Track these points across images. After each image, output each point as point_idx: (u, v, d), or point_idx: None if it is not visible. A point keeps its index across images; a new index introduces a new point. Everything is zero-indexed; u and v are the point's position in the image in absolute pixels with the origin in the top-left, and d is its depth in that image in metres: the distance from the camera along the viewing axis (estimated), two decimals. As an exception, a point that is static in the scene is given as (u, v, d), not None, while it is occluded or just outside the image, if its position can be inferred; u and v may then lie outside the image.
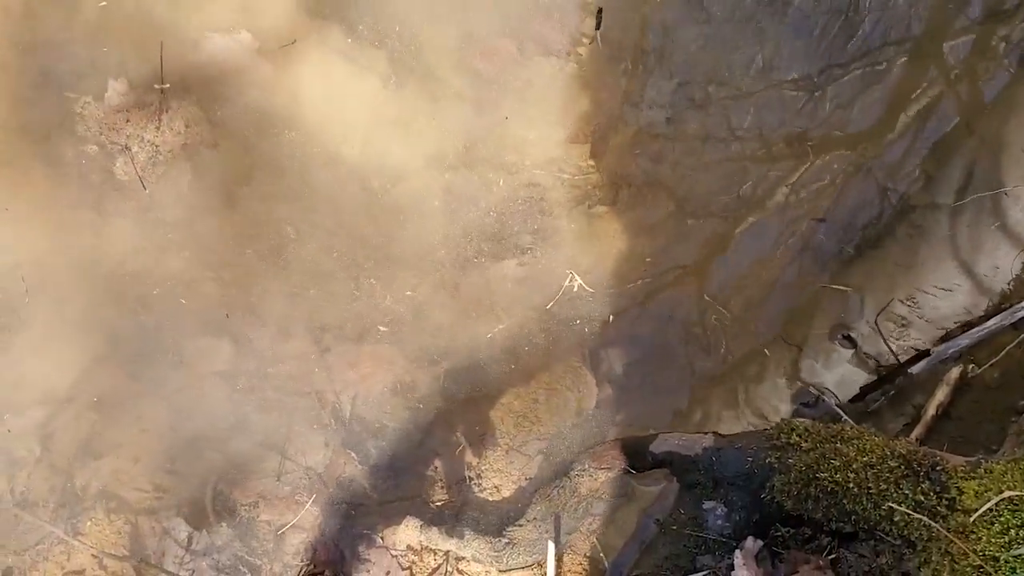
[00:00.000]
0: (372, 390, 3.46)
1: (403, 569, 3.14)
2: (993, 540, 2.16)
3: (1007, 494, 2.20)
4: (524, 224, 3.66)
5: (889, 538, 2.41)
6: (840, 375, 3.44)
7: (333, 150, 3.65)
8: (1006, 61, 3.72)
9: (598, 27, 3.76)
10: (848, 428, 2.64)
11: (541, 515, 3.09)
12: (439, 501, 3.30)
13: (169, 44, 3.58)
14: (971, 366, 3.21)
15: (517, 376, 3.50)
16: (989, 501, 2.22)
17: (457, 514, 3.24)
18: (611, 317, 3.56)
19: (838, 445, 2.56)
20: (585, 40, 3.80)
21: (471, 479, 3.33)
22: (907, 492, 2.37)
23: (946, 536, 2.25)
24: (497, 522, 3.17)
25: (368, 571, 3.16)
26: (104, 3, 3.59)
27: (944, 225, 3.56)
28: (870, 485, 2.43)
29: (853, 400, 3.38)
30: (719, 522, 2.75)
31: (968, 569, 2.16)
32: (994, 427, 2.89)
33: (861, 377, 3.42)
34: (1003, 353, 3.14)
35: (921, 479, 2.39)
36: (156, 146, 3.51)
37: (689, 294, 3.60)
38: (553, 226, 3.67)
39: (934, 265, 3.51)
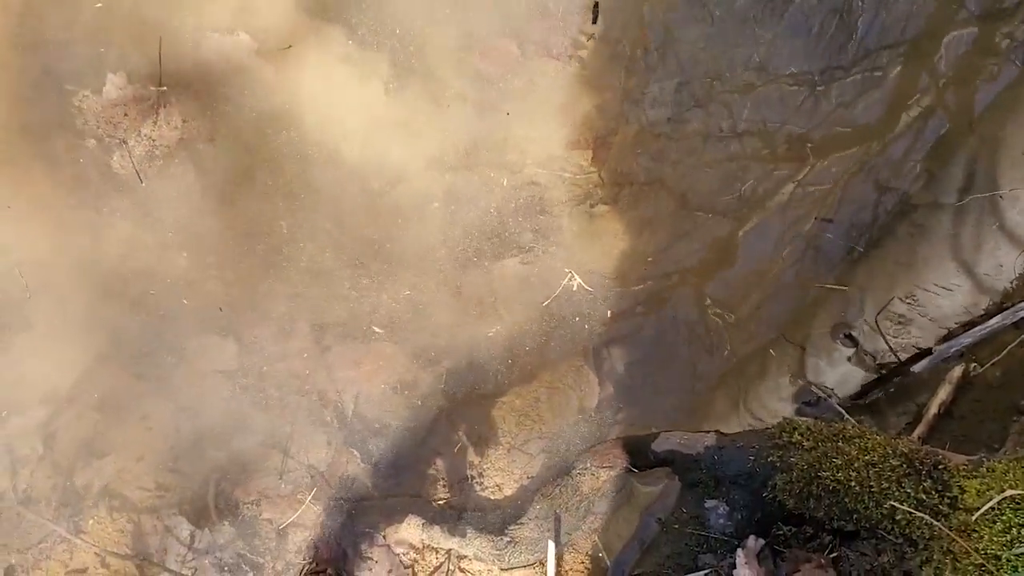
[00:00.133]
0: (374, 389, 3.46)
1: (405, 567, 3.14)
2: (995, 539, 2.17)
3: (1009, 493, 2.20)
4: (525, 223, 3.65)
5: (891, 537, 2.41)
6: (842, 374, 3.44)
7: (333, 150, 3.65)
8: (1008, 59, 3.72)
9: (595, 21, 3.75)
10: (850, 427, 2.65)
11: (543, 514, 3.10)
12: (441, 499, 3.30)
13: (168, 42, 3.59)
14: (973, 365, 3.21)
15: (519, 375, 3.50)
16: (991, 500, 2.22)
17: (459, 512, 3.24)
18: (613, 316, 3.56)
19: (840, 444, 2.56)
20: (583, 38, 3.80)
21: (473, 478, 3.33)
22: (909, 491, 2.38)
23: (948, 535, 2.25)
24: (499, 521, 3.17)
25: (370, 569, 3.16)
26: (100, 4, 3.59)
27: (946, 224, 3.55)
28: (872, 484, 2.43)
29: (855, 398, 3.38)
30: (721, 521, 2.75)
31: (970, 568, 2.16)
32: (996, 426, 2.89)
33: (863, 375, 3.42)
34: (1005, 352, 3.14)
35: (923, 478, 2.39)
36: (153, 140, 3.52)
37: (691, 294, 3.60)
38: (554, 225, 3.66)
39: (935, 264, 3.51)
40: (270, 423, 3.40)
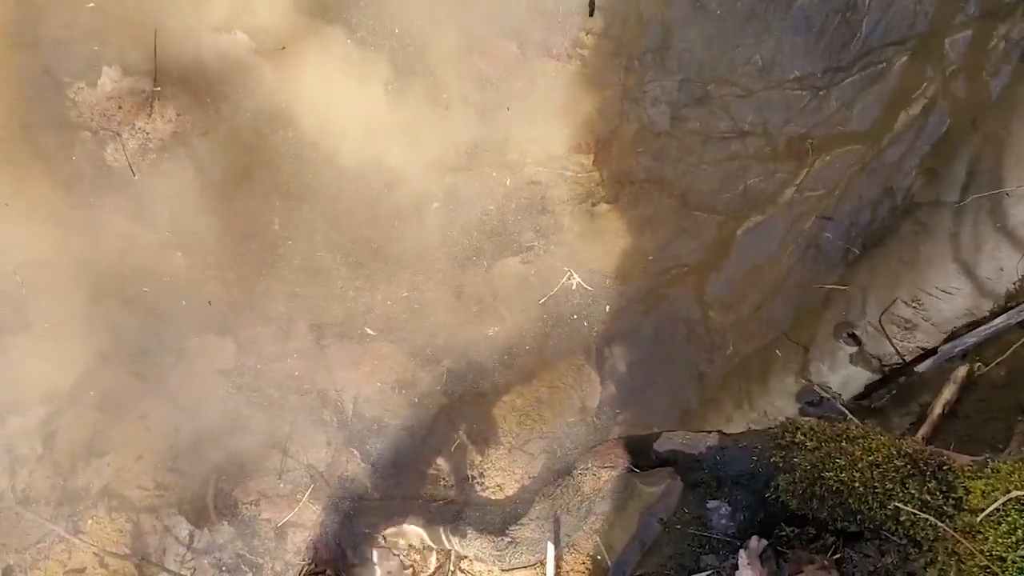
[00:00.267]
0: (374, 388, 3.46)
1: (405, 568, 3.13)
2: (1000, 540, 2.15)
3: (1014, 494, 2.18)
4: (526, 222, 3.65)
5: (895, 538, 2.39)
6: (845, 374, 3.43)
7: (331, 150, 3.64)
8: (1012, 57, 3.70)
9: (591, 14, 3.74)
10: (853, 427, 2.63)
11: (544, 514, 3.09)
12: (441, 500, 3.29)
13: (165, 39, 3.58)
14: (978, 365, 3.19)
15: (519, 374, 3.49)
16: (996, 501, 2.20)
17: (459, 513, 3.23)
18: (614, 315, 3.55)
19: (843, 444, 2.55)
20: (584, 37, 3.79)
21: (473, 478, 3.32)
22: (913, 491, 2.36)
23: (952, 536, 2.23)
24: (499, 521, 3.16)
25: (370, 570, 3.16)
26: (92, 4, 3.59)
27: (949, 223, 3.54)
28: (876, 484, 2.41)
29: (858, 399, 3.37)
30: (723, 521, 2.74)
31: (975, 569, 2.15)
32: (1001, 426, 2.87)
33: (866, 376, 3.41)
34: (1010, 352, 3.12)
35: (927, 478, 2.37)
36: (147, 133, 3.51)
37: (692, 292, 3.59)
38: (555, 224, 3.66)
39: (938, 264, 3.50)
40: (269, 423, 3.39)
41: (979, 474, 2.33)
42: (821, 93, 3.72)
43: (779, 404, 3.43)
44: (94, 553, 3.20)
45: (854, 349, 3.43)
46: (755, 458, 2.71)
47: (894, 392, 3.33)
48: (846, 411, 3.24)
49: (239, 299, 3.50)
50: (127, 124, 3.52)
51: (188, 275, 3.50)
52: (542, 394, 3.45)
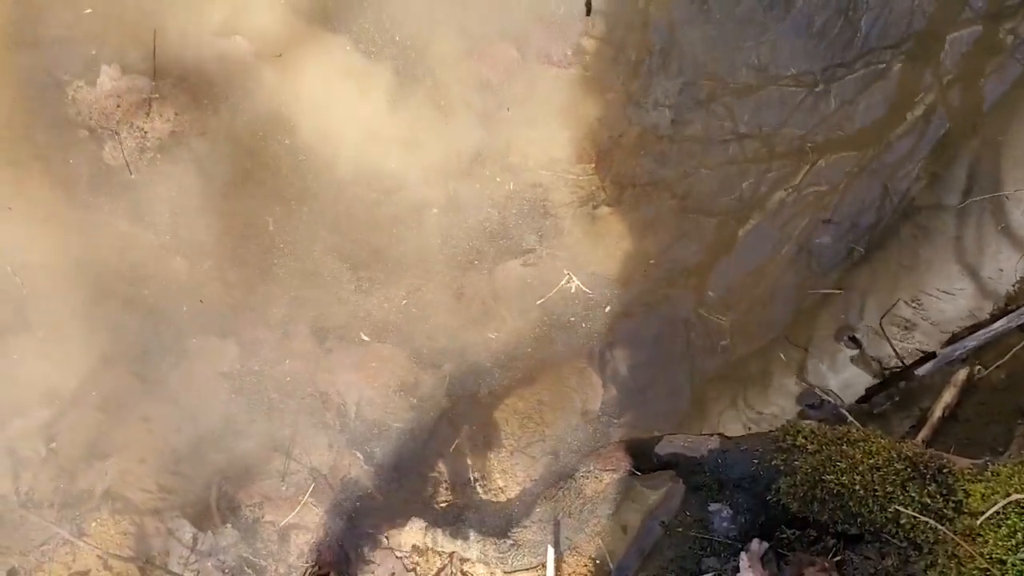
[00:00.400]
0: (376, 391, 3.46)
1: (407, 570, 3.14)
2: (1000, 543, 2.16)
3: (1014, 497, 2.19)
4: (527, 225, 3.65)
5: (895, 540, 2.40)
6: (846, 377, 3.43)
7: (331, 154, 3.65)
8: (1013, 58, 3.71)
9: (588, 13, 3.74)
10: (854, 430, 2.64)
11: (546, 516, 3.09)
12: (444, 502, 3.30)
13: (165, 41, 3.60)
14: (978, 368, 3.20)
15: (521, 377, 3.50)
16: (996, 504, 2.21)
17: (462, 515, 3.24)
18: (615, 318, 3.55)
19: (844, 447, 2.55)
20: (584, 41, 3.80)
21: (476, 480, 3.33)
22: (913, 494, 2.37)
23: (952, 539, 2.24)
24: (502, 523, 3.17)
25: (372, 572, 3.16)
26: (89, 10, 3.60)
27: (949, 226, 3.55)
28: (876, 487, 2.42)
29: (859, 402, 3.37)
30: (725, 524, 2.75)
31: (975, 572, 2.16)
32: (1001, 429, 2.88)
33: (867, 379, 3.41)
34: (1010, 355, 3.13)
35: (927, 481, 2.38)
36: (145, 132, 3.52)
37: (693, 295, 3.59)
38: (557, 227, 3.66)
39: (939, 267, 3.50)
40: (271, 425, 3.40)
41: (979, 477, 2.33)
42: (820, 94, 3.73)
43: (780, 407, 3.44)
44: (98, 556, 3.20)
45: (855, 352, 3.44)
46: (756, 461, 2.72)
47: (894, 396, 3.33)
48: (847, 414, 3.25)
49: (240, 301, 3.51)
50: (125, 123, 3.53)
51: (188, 277, 3.51)
52: (544, 397, 3.46)
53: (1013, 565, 2.10)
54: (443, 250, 3.61)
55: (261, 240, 3.56)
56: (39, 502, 3.27)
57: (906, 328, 3.44)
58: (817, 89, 3.73)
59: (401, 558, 3.16)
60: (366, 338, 3.49)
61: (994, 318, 3.24)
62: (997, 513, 2.20)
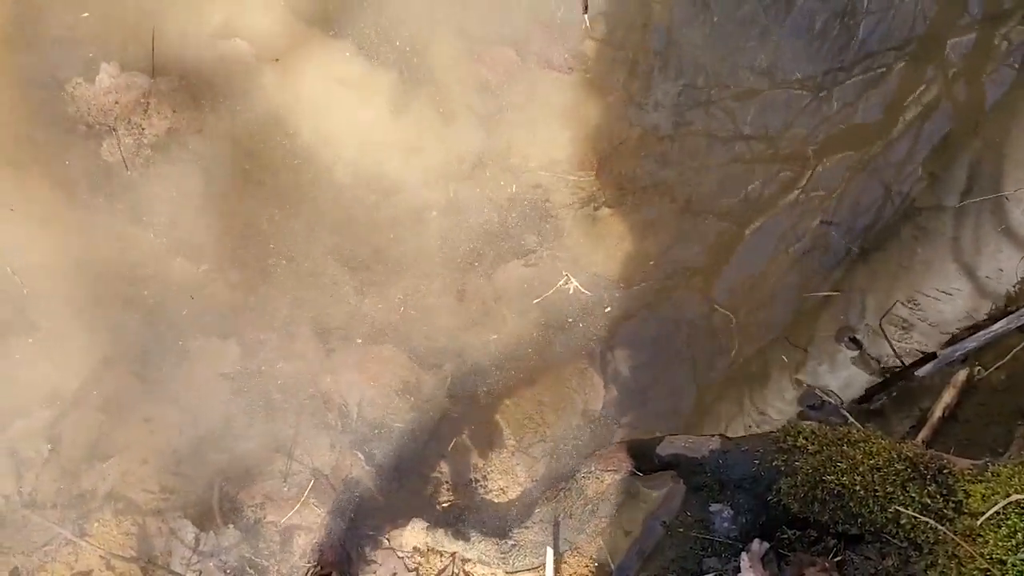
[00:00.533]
0: (377, 392, 3.47)
1: (409, 570, 3.14)
2: (1000, 543, 2.16)
3: (1014, 498, 2.20)
4: (528, 226, 3.66)
5: (895, 541, 2.41)
6: (846, 377, 3.44)
7: (332, 157, 3.66)
8: (1012, 61, 3.72)
9: (585, 11, 3.74)
10: (855, 431, 2.64)
11: (547, 517, 3.10)
12: (445, 502, 3.30)
13: (165, 42, 3.60)
14: (977, 369, 3.20)
15: (523, 378, 3.50)
16: (996, 504, 2.22)
17: (463, 516, 3.25)
18: (616, 319, 3.56)
19: (844, 448, 2.56)
20: (585, 43, 3.80)
21: (477, 480, 3.33)
22: (914, 495, 2.37)
23: (953, 539, 2.25)
24: (503, 524, 3.17)
25: (374, 572, 3.17)
26: (86, 14, 3.61)
27: (949, 226, 3.56)
28: (876, 488, 2.43)
29: (859, 402, 3.38)
30: (725, 524, 2.75)
31: (975, 572, 2.17)
32: (1001, 430, 2.89)
33: (867, 379, 3.42)
34: (1010, 356, 3.13)
35: (928, 482, 2.39)
36: (142, 128, 3.53)
37: (694, 296, 3.60)
38: (558, 228, 3.67)
39: (939, 267, 3.51)
40: (273, 426, 3.40)
41: (979, 478, 2.34)
42: (822, 96, 3.74)
43: (780, 407, 3.44)
44: (100, 556, 3.21)
45: (855, 353, 3.45)
46: (757, 462, 2.72)
47: (894, 396, 3.34)
48: (847, 415, 3.25)
49: (241, 301, 3.52)
50: (123, 119, 3.54)
51: (188, 277, 3.51)
52: (545, 397, 3.47)
53: (1013, 565, 2.11)
54: (444, 252, 3.62)
55: (261, 241, 3.57)
56: (42, 503, 3.27)
57: (905, 328, 3.44)
58: (818, 91, 3.74)
59: (403, 558, 3.17)
60: (359, 341, 3.49)
61: (994, 319, 3.24)
62: (997, 513, 2.21)
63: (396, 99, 3.71)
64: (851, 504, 2.47)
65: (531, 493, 3.27)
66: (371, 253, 3.60)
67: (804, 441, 2.65)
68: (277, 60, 3.66)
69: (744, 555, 2.61)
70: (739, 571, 2.59)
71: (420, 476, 3.37)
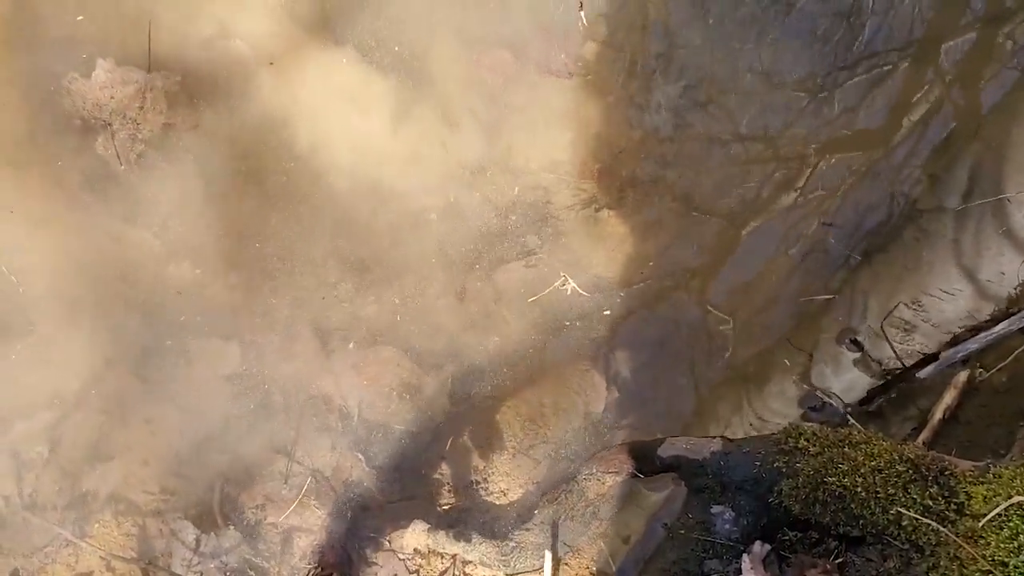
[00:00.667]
0: (378, 393, 3.47)
1: (410, 572, 3.14)
2: (1002, 545, 2.16)
3: (1016, 499, 2.19)
4: (529, 227, 3.66)
5: (897, 543, 2.40)
6: (848, 379, 3.43)
7: (331, 159, 3.66)
8: (1013, 62, 3.72)
9: (581, 7, 3.74)
10: (856, 432, 2.64)
11: (548, 519, 3.09)
12: (446, 504, 3.30)
13: (159, 35, 3.61)
14: (979, 370, 3.20)
15: (524, 379, 3.50)
16: (998, 506, 2.21)
17: (464, 517, 3.24)
18: (617, 320, 3.56)
19: (846, 449, 2.56)
20: (585, 45, 3.80)
21: (478, 482, 3.33)
22: (915, 497, 2.37)
23: (955, 541, 2.24)
24: (504, 525, 3.17)
25: (375, 574, 3.17)
26: (80, 17, 3.61)
27: (950, 229, 3.55)
28: (878, 489, 2.42)
29: (860, 403, 3.37)
30: (727, 526, 2.75)
31: (977, 574, 2.16)
32: (1002, 431, 2.88)
33: (869, 381, 3.42)
34: (1011, 357, 3.13)
35: (929, 484, 2.38)
36: (137, 124, 3.53)
37: (695, 297, 3.60)
38: (558, 229, 3.67)
39: (940, 269, 3.51)
40: (274, 427, 3.41)
41: (981, 479, 2.34)
42: (823, 97, 3.74)
43: (781, 409, 3.44)
44: (101, 557, 3.21)
45: (857, 355, 3.45)
46: (758, 463, 2.72)
47: (895, 397, 3.34)
48: (849, 416, 3.25)
49: (241, 303, 3.52)
50: (118, 114, 3.54)
51: (188, 278, 3.51)
52: (547, 399, 3.47)
53: (1015, 567, 2.11)
54: (445, 252, 3.62)
55: (261, 241, 3.57)
56: (42, 504, 3.27)
57: (906, 330, 3.44)
58: (819, 92, 3.74)
59: (404, 560, 3.17)
60: (360, 342, 3.49)
61: (995, 320, 3.24)
62: (999, 515, 2.21)
63: (396, 101, 3.72)
64: (852, 506, 2.47)
65: (532, 495, 3.27)
66: (372, 254, 3.61)
67: (805, 443, 2.65)
68: (271, 64, 3.67)
69: (745, 557, 2.61)
70: (740, 573, 2.59)
71: (421, 478, 3.37)
